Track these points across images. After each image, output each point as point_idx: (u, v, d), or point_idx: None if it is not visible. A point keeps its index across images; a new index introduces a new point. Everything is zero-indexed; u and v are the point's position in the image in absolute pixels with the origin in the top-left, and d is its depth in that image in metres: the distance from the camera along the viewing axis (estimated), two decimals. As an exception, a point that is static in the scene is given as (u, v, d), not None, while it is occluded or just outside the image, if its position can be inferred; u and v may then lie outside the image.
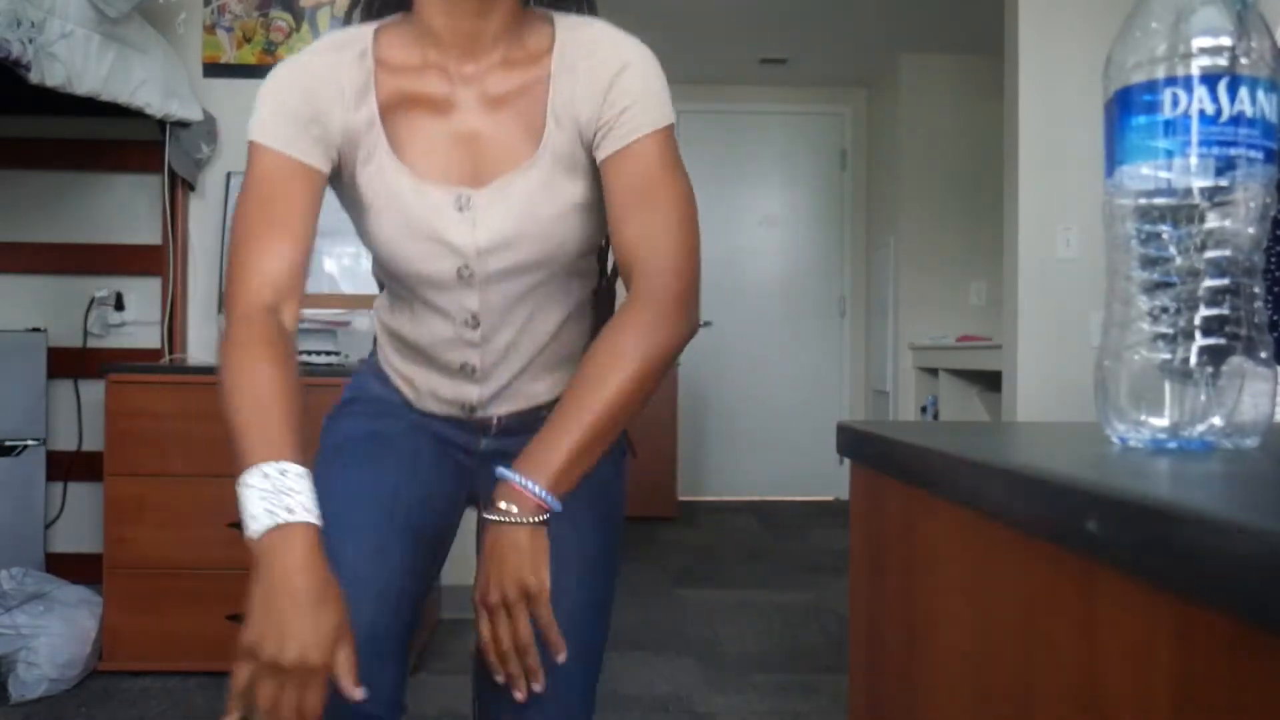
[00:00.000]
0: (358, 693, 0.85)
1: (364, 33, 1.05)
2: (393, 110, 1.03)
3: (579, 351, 1.16)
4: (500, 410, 1.16)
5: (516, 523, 0.92)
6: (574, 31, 1.05)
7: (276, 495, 0.87)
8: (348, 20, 1.10)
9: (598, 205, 1.06)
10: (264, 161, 0.99)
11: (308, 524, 0.86)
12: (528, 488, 0.92)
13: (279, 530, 0.85)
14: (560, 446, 0.93)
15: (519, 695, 0.93)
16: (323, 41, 1.05)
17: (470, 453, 1.19)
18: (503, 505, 0.93)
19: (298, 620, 0.84)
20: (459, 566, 3.15)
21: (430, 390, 1.16)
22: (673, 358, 1.01)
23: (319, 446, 1.15)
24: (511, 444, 1.09)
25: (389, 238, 1.04)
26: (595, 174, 1.05)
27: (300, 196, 0.99)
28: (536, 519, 0.93)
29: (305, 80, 1.01)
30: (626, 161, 1.02)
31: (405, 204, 1.03)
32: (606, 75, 1.02)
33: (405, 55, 1.04)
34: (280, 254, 0.99)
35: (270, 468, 0.89)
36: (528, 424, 1.11)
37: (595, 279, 1.19)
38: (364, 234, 1.08)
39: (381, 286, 1.22)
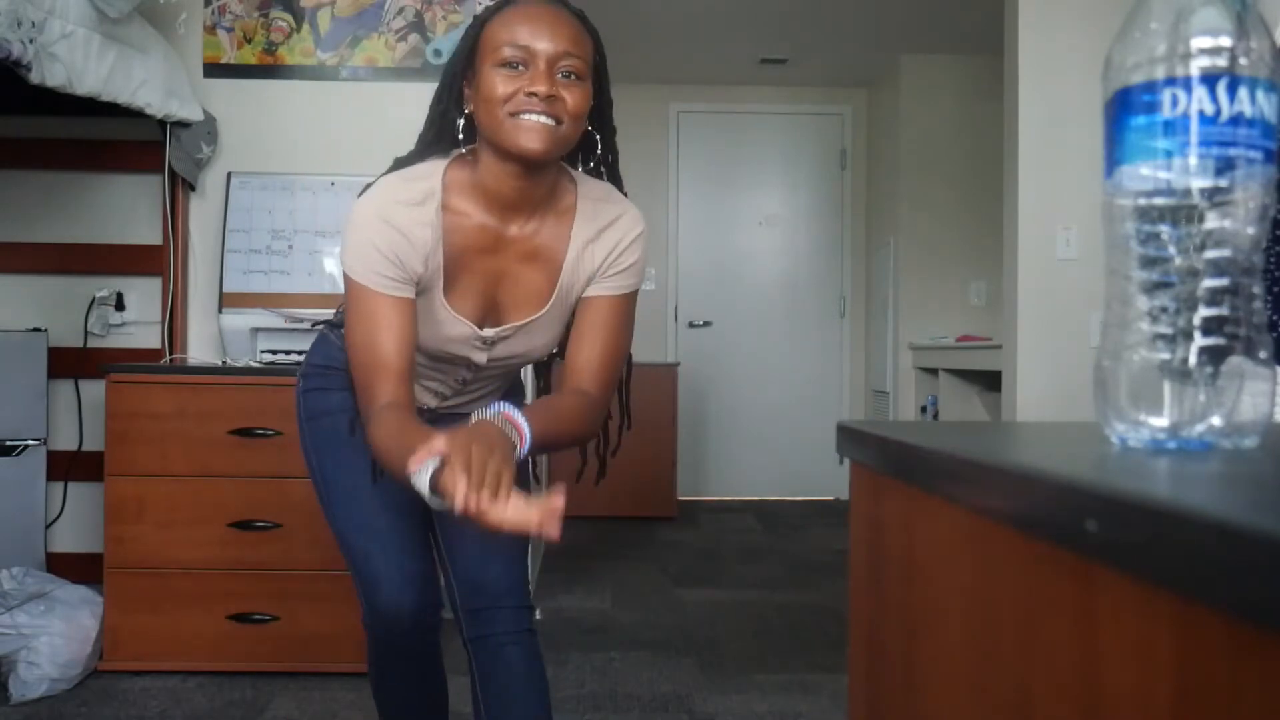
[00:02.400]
0: (553, 529, 1.01)
1: (435, 180, 1.28)
2: (450, 253, 1.29)
3: (515, 387, 1.58)
4: (458, 409, 1.48)
5: (503, 429, 1.13)
6: (597, 202, 1.34)
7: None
8: (404, 160, 1.34)
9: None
10: (365, 298, 1.25)
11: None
12: (516, 417, 1.16)
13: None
14: (542, 418, 1.20)
15: (466, 507, 1.02)
16: (404, 192, 1.27)
17: (433, 420, 1.45)
18: (494, 417, 1.15)
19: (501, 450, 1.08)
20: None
21: (421, 394, 1.44)
22: (585, 441, 1.39)
23: (309, 409, 1.48)
24: (461, 415, 1.41)
25: (421, 341, 1.32)
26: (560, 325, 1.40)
27: (399, 324, 1.25)
28: (515, 440, 1.14)
29: (391, 235, 1.24)
30: (603, 305, 1.35)
31: (443, 329, 1.34)
32: (621, 245, 1.34)
33: (469, 207, 1.30)
34: (397, 357, 1.25)
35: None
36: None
37: None
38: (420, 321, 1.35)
39: None
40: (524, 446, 1.15)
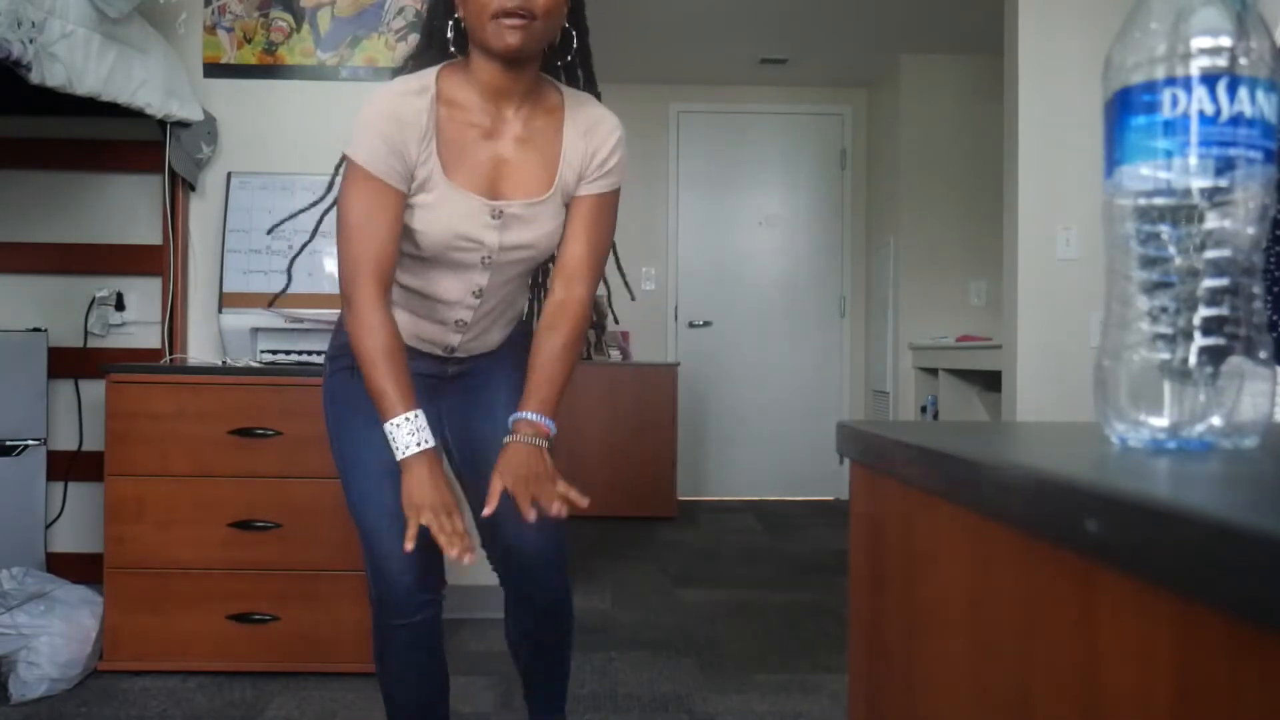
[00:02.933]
0: (469, 558, 1.36)
1: (429, 76, 1.45)
2: (447, 140, 1.45)
3: (519, 312, 1.69)
4: (468, 351, 1.63)
5: (537, 444, 1.42)
6: (582, 105, 1.53)
7: (417, 433, 1.39)
8: (401, 69, 1.51)
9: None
10: (363, 184, 1.41)
11: (432, 448, 1.40)
12: (539, 420, 1.45)
13: (420, 454, 1.39)
14: (551, 394, 1.47)
15: (531, 516, 1.38)
16: (405, 84, 1.45)
17: (441, 379, 1.64)
18: (522, 434, 1.43)
19: (434, 491, 1.38)
20: (457, 568, 3.15)
21: (416, 334, 1.58)
22: (581, 347, 1.55)
23: (333, 394, 1.60)
24: (471, 367, 1.65)
25: (436, 234, 1.46)
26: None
27: (390, 210, 1.42)
28: (546, 442, 1.44)
29: (392, 124, 1.40)
30: (591, 203, 1.52)
31: (453, 212, 1.45)
32: (606, 145, 1.52)
33: (462, 95, 1.46)
34: (382, 249, 1.42)
35: (411, 414, 1.39)
36: (480, 358, 1.65)
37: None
38: (411, 229, 1.47)
39: None
40: (553, 433, 1.46)
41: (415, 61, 1.51)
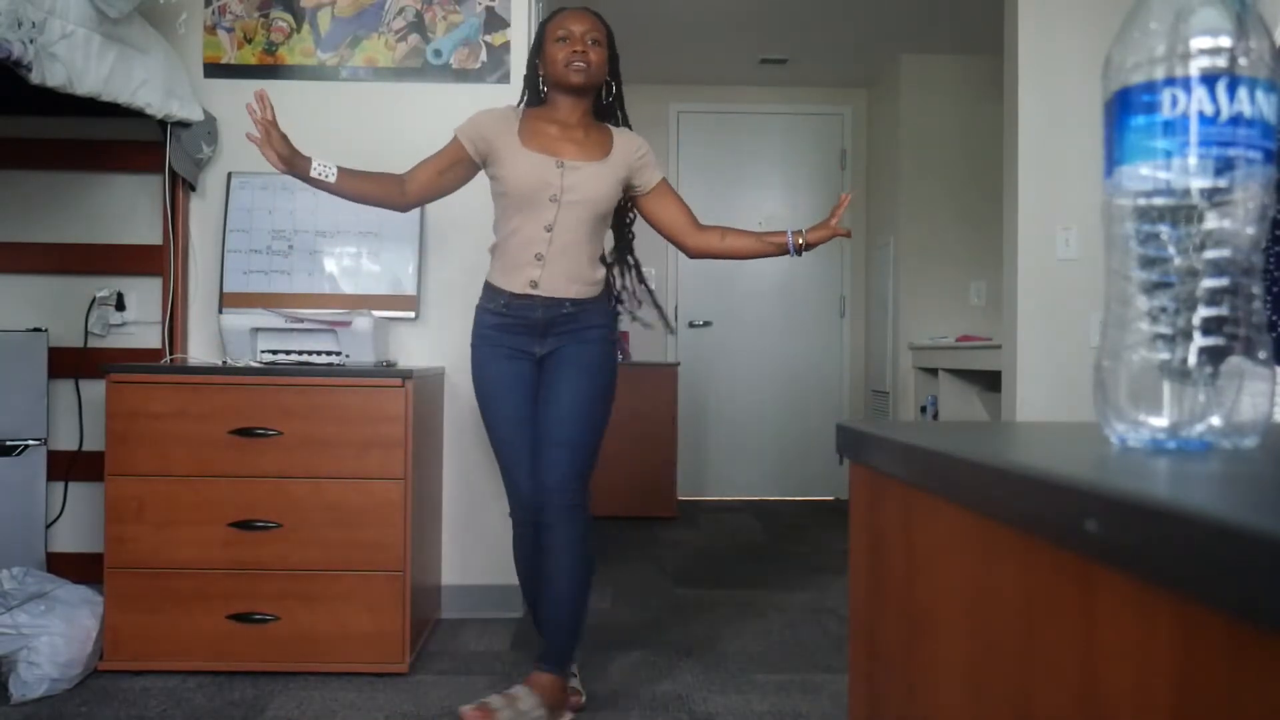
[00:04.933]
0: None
1: (518, 110, 2.34)
2: (525, 131, 2.26)
3: (585, 273, 2.27)
4: (548, 291, 2.22)
5: (807, 231, 2.39)
6: (627, 134, 2.35)
7: (329, 168, 2.22)
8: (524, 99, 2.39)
9: (614, 201, 2.30)
10: (447, 147, 2.30)
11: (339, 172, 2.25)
12: (793, 233, 2.40)
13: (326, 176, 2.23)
14: (773, 232, 2.42)
15: (840, 224, 2.33)
16: (501, 107, 2.34)
17: (533, 358, 2.27)
18: (798, 232, 2.37)
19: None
20: (458, 568, 3.16)
21: (515, 269, 2.23)
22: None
23: (475, 377, 2.29)
24: (556, 344, 2.26)
25: (517, 176, 2.20)
26: (619, 190, 2.30)
27: (446, 159, 2.30)
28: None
29: (491, 116, 2.30)
30: (660, 185, 2.38)
31: (527, 162, 2.21)
32: (642, 148, 2.34)
33: (544, 115, 2.29)
34: (427, 166, 2.31)
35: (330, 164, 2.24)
36: (562, 327, 2.25)
37: (603, 239, 2.35)
38: (501, 183, 2.24)
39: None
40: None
41: (521, 101, 2.38)
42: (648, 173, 2.32)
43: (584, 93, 2.25)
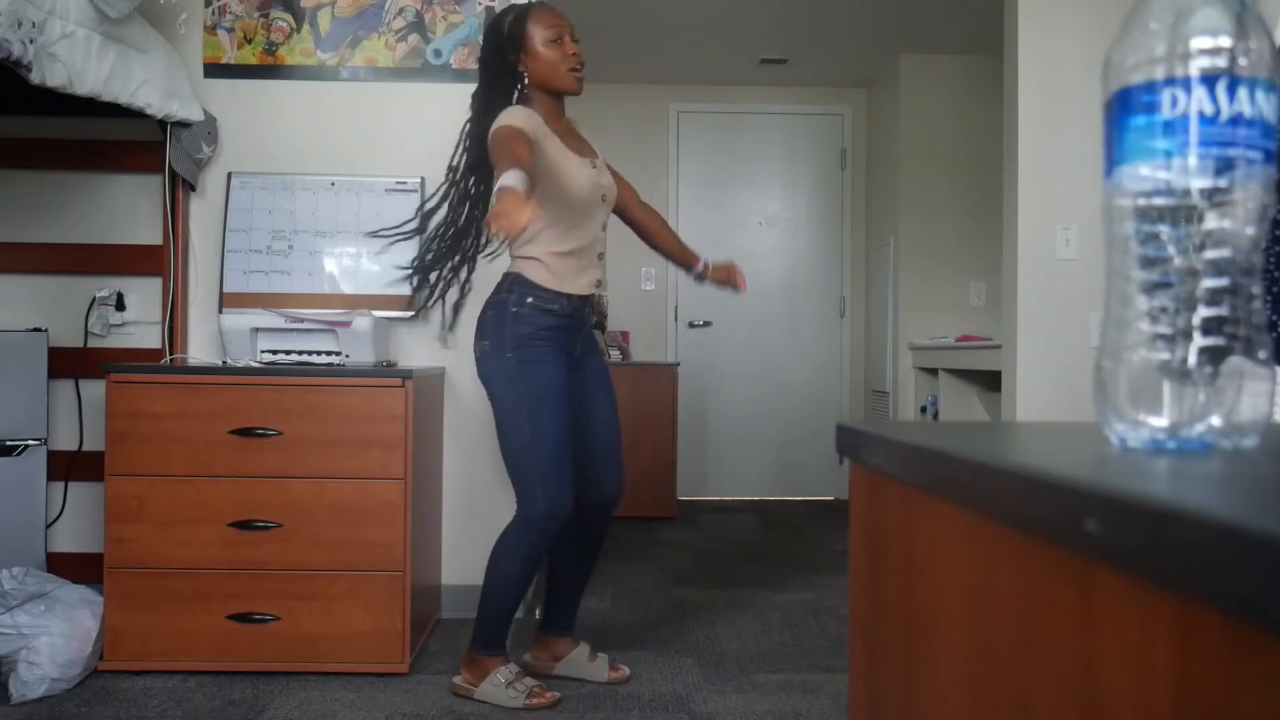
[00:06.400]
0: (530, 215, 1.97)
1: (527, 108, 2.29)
2: (555, 132, 2.27)
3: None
4: (603, 288, 2.40)
5: (715, 262, 2.64)
6: (581, 125, 2.45)
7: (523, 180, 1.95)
8: (482, 103, 2.32)
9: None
10: (514, 125, 2.10)
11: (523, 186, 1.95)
12: (699, 256, 2.63)
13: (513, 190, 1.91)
14: (685, 244, 2.65)
15: (741, 284, 2.63)
16: (526, 109, 2.22)
17: (572, 355, 2.33)
18: (708, 261, 2.62)
19: (515, 206, 1.84)
20: (458, 568, 3.15)
21: (582, 275, 2.30)
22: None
23: (527, 380, 2.24)
24: (585, 345, 2.39)
25: (582, 181, 2.25)
26: None
27: (528, 139, 2.09)
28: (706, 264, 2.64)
29: (528, 115, 2.19)
30: (623, 181, 2.53)
31: (580, 167, 2.27)
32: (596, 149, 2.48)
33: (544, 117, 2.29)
34: (523, 144, 2.08)
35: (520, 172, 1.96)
36: (586, 323, 2.37)
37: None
38: (560, 191, 2.23)
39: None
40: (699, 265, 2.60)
41: (488, 100, 2.29)
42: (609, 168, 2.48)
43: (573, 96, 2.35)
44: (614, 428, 2.45)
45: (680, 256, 2.59)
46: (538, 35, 2.24)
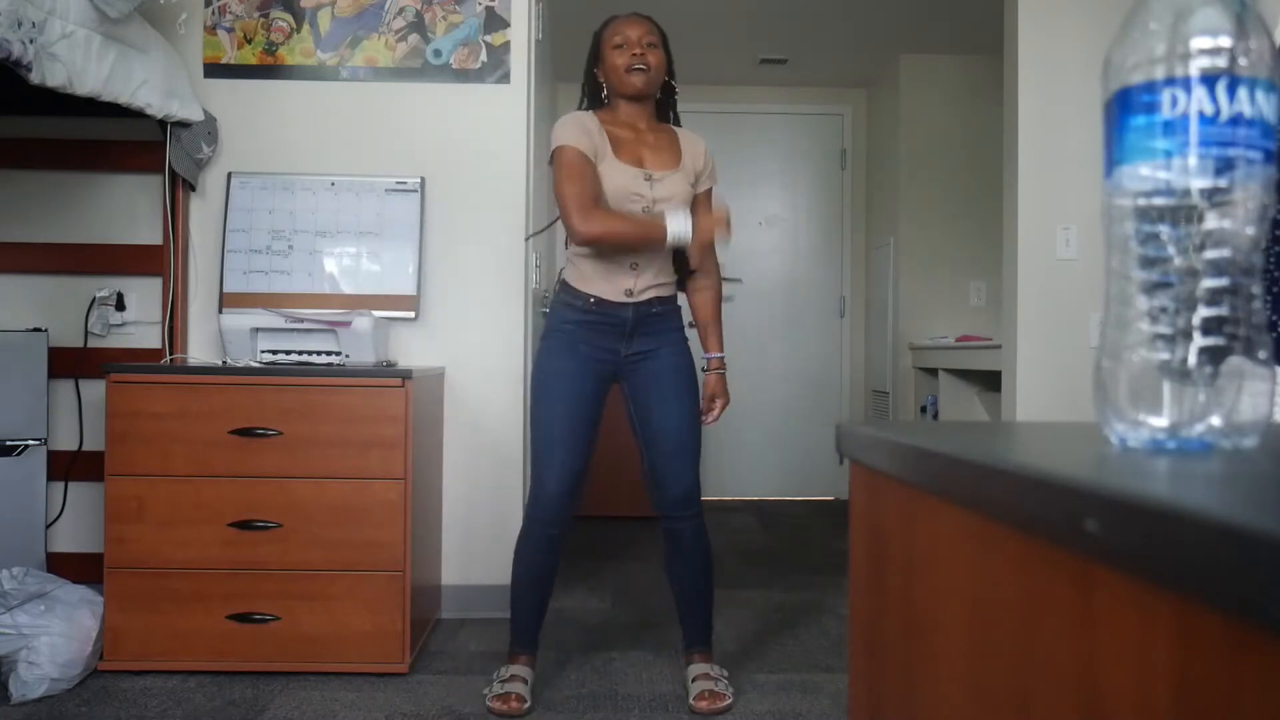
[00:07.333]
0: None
1: (590, 114, 2.35)
2: (610, 137, 2.31)
3: (669, 271, 2.38)
4: (641, 296, 2.32)
5: (721, 373, 2.45)
6: (685, 131, 2.46)
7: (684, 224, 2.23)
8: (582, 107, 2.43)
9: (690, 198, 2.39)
10: (570, 157, 2.23)
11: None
12: (719, 356, 2.44)
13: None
14: (719, 333, 2.45)
15: (711, 419, 2.46)
16: (576, 112, 2.35)
17: (618, 360, 2.34)
18: (714, 368, 2.44)
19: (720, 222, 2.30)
20: (458, 568, 3.15)
21: (608, 279, 2.30)
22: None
23: (537, 368, 2.34)
24: (644, 346, 2.35)
25: (614, 189, 2.26)
26: (691, 189, 2.40)
27: (592, 170, 2.24)
28: (724, 368, 2.46)
29: (578, 125, 2.28)
30: (704, 195, 2.45)
31: (622, 174, 2.28)
32: (704, 151, 2.46)
33: (611, 124, 2.34)
34: (592, 185, 2.23)
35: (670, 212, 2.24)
36: (650, 327, 2.35)
37: None
38: (601, 190, 2.26)
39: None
40: (724, 359, 2.50)
41: (582, 104, 2.42)
42: (705, 182, 2.43)
43: (646, 97, 2.35)
44: (683, 434, 2.35)
45: (700, 330, 2.48)
46: (607, 43, 2.35)
